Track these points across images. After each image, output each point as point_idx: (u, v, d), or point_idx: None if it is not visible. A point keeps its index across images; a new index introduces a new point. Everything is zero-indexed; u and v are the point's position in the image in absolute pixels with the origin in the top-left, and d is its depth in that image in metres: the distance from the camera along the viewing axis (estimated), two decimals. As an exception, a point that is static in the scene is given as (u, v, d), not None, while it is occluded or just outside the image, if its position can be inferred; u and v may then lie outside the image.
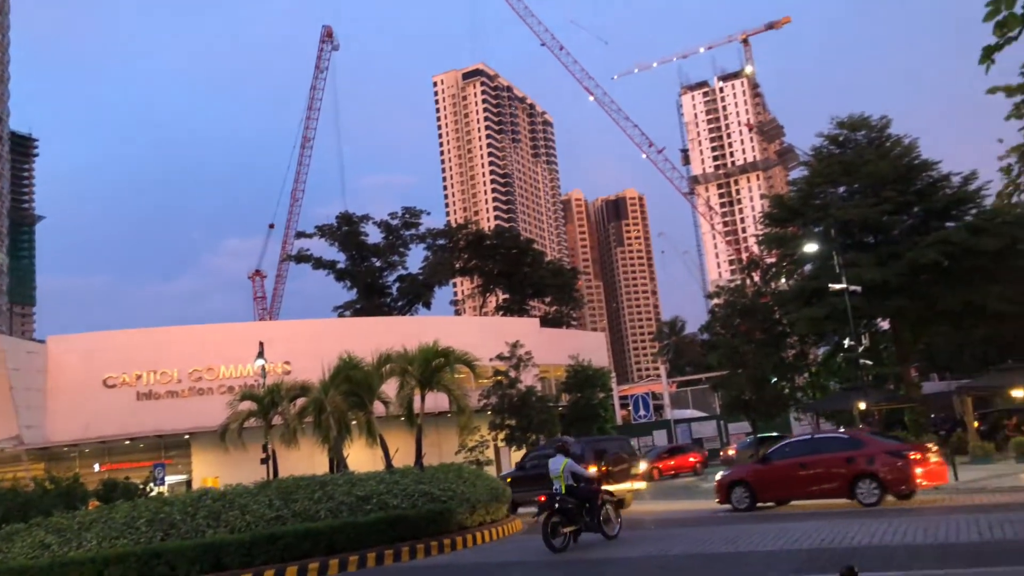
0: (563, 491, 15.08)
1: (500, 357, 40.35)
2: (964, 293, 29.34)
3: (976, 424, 28.99)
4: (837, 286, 28.13)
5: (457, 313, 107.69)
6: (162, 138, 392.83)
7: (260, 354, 36.47)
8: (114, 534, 14.83)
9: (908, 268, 29.39)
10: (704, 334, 43.19)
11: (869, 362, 33.49)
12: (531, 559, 14.80)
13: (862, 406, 29.09)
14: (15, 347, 45.43)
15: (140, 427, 42.27)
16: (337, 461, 22.86)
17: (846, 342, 32.17)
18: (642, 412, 49.37)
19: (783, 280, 37.26)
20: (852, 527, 13.66)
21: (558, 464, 15.42)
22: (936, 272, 29.73)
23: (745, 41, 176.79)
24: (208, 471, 42.17)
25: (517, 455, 39.70)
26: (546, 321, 65.99)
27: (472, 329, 51.48)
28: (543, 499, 15.19)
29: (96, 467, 42.14)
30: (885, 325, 36.10)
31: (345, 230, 67.69)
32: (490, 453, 42.16)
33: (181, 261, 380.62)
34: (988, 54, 10.81)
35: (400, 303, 69.37)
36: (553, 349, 49.75)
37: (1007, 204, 21.51)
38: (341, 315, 67.83)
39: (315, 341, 42.29)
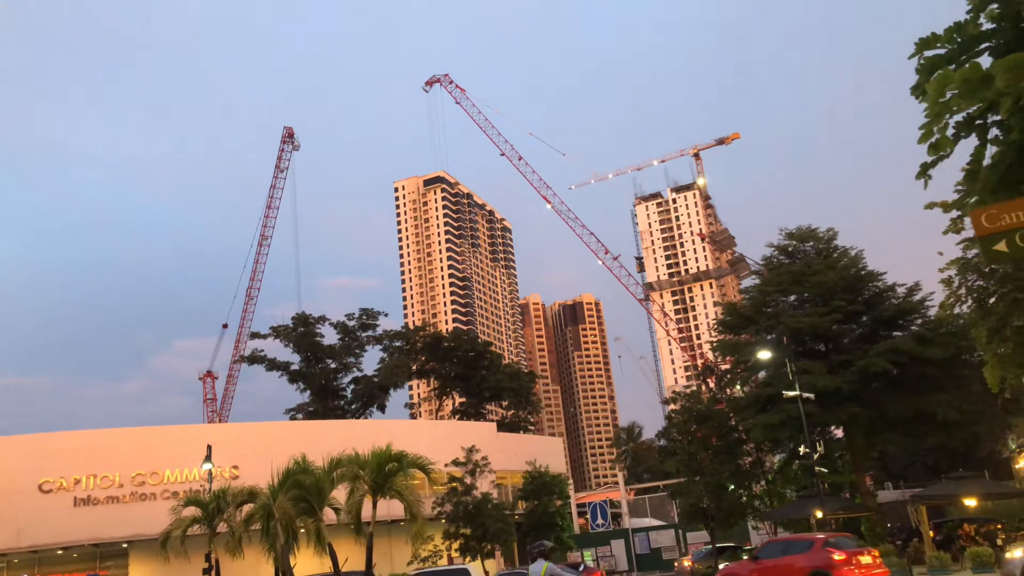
0: None
1: (455, 463, 39.54)
2: (914, 401, 29.77)
3: (931, 534, 28.94)
4: (791, 393, 28.41)
5: (412, 416, 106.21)
6: (112, 240, 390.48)
7: (207, 458, 35.36)
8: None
9: (859, 376, 29.84)
10: (661, 440, 42.91)
11: (824, 470, 33.53)
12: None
13: (819, 515, 28.92)
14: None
15: (76, 535, 40.22)
16: (284, 572, 21.90)
17: (801, 449, 32.23)
18: (600, 521, 48.44)
19: (738, 387, 37.54)
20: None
21: (539, 568, 15.36)
22: (886, 380, 30.22)
23: (696, 155, 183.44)
24: (146, 582, 40.08)
25: (474, 566, 38.49)
26: (503, 425, 65.31)
27: (427, 433, 50.67)
28: None
29: (24, 579, 39.82)
30: (839, 433, 36.36)
31: (300, 331, 67.04)
32: (443, 563, 40.77)
33: (131, 362, 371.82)
34: (924, 170, 11.39)
35: (354, 405, 68.20)
36: (510, 454, 49.06)
37: (949, 315, 22.23)
38: (293, 418, 66.44)
39: (265, 444, 41.25)
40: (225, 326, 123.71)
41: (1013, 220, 9.40)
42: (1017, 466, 37.08)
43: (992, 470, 38.63)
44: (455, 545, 39.69)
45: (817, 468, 31.58)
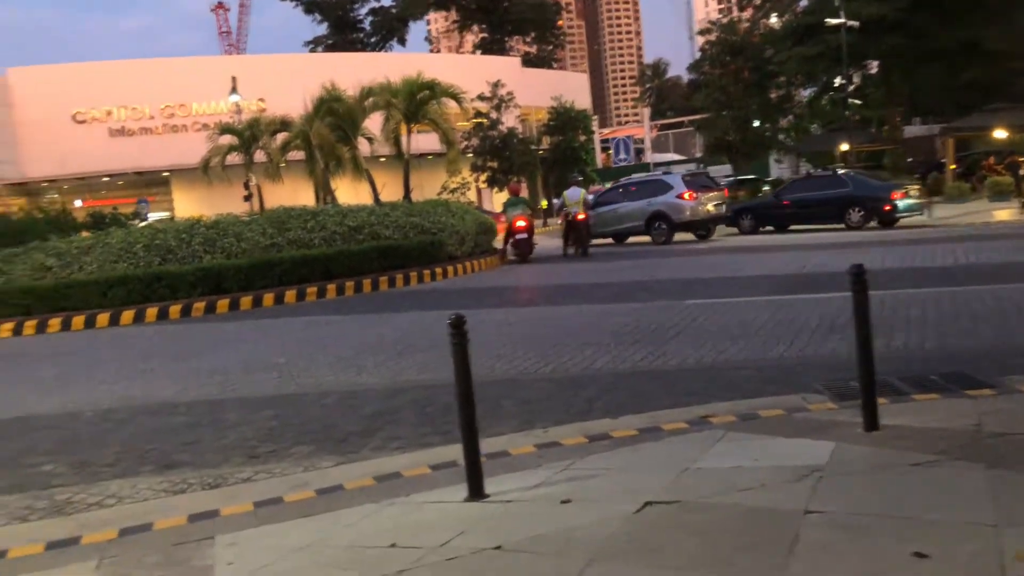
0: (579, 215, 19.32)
1: (481, 97, 39.26)
2: (961, 30, 28.46)
3: (953, 166, 29.37)
4: (834, 21, 27.05)
5: (433, 52, 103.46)
6: None
7: (234, 89, 35.28)
8: (112, 258, 15.10)
9: (909, 2, 28.19)
10: (691, 74, 41.95)
11: (858, 101, 33.09)
12: (514, 283, 15.49)
13: (844, 147, 29.18)
14: (-28, 79, 43.39)
15: (117, 164, 41.64)
16: (325, 194, 22.91)
17: (836, 82, 31.52)
18: (622, 155, 49.20)
19: (774, 18, 35.75)
20: (837, 257, 14.24)
21: (577, 193, 19.34)
22: (936, 8, 28.61)
23: None
24: (190, 209, 42.16)
25: (499, 197, 40.07)
26: (527, 61, 63.73)
27: (451, 67, 49.54)
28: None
29: (78, 203, 42.00)
30: (874, 69, 35.31)
31: (313, -45, 62.86)
32: (471, 195, 42.45)
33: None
34: None
35: (374, 39, 66.24)
36: (535, 90, 48.45)
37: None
38: (312, 51, 64.86)
39: (289, 77, 40.63)
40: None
41: None
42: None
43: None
44: (482, 177, 41.02)
45: (850, 100, 31.12)
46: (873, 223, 20.28)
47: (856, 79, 33.77)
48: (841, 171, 23.48)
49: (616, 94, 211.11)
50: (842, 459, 4.08)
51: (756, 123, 35.73)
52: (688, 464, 4.26)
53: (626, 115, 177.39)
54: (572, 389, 6.56)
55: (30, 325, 13.81)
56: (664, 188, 21.17)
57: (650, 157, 51.16)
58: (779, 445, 4.50)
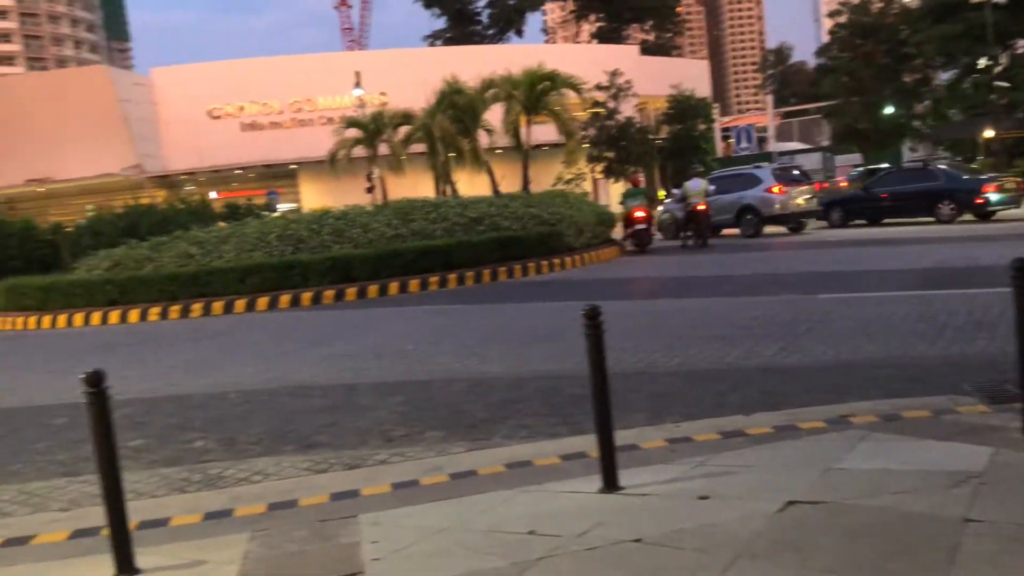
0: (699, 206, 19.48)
1: (598, 87, 38.96)
2: None
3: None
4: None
5: (548, 42, 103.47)
6: None
7: (357, 84, 36.40)
8: (248, 247, 15.89)
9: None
10: (818, 59, 40.26)
11: (1005, 84, 30.91)
12: (634, 275, 15.34)
13: (989, 134, 27.36)
14: (123, 79, 46.54)
15: (248, 157, 43.73)
16: (446, 185, 23.34)
17: (980, 62, 29.54)
18: (744, 144, 47.90)
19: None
20: (958, 251, 13.42)
21: (698, 184, 19.85)
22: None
23: None
24: (316, 200, 43.89)
25: (616, 188, 39.73)
26: (645, 50, 62.77)
27: (568, 57, 49.35)
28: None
29: (213, 194, 44.39)
30: (1022, 48, 32.91)
31: (434, -49, 63.93)
32: (586, 186, 42.27)
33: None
34: None
35: (491, 31, 66.82)
36: (653, 79, 47.65)
37: None
38: (431, 44, 66.06)
39: (409, 71, 41.54)
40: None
41: None
42: None
43: None
44: (598, 168, 40.77)
45: (996, 83, 29.12)
46: (966, 216, 19.92)
47: (1003, 59, 31.56)
48: (937, 164, 22.64)
49: (737, 81, 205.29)
50: (1002, 465, 3.85)
51: (888, 109, 33.97)
52: (830, 464, 4.12)
53: (747, 103, 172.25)
54: (701, 383, 6.46)
55: (175, 309, 14.72)
56: (754, 182, 21.57)
57: (773, 146, 49.54)
58: (929, 448, 4.29)
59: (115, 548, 3.51)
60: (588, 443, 4.88)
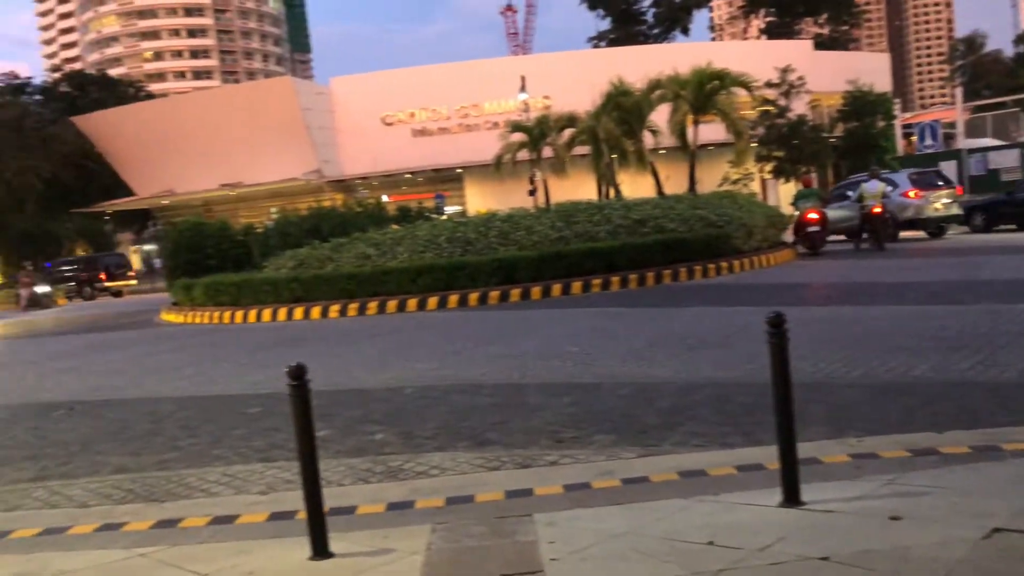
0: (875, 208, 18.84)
1: (768, 84, 37.61)
2: None
3: None
4: None
5: (714, 40, 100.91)
6: None
7: (522, 88, 36.97)
8: (420, 249, 16.55)
9: None
10: (1018, 47, 36.93)
11: None
12: (807, 279, 14.68)
13: None
14: (305, 89, 49.70)
15: (418, 162, 45.54)
16: (609, 187, 23.32)
17: None
18: (928, 141, 44.64)
19: None
20: None
21: (875, 186, 19.22)
22: None
23: None
24: (480, 203, 45.05)
25: (786, 189, 38.23)
26: (820, 44, 59.94)
27: (736, 55, 47.83)
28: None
29: (384, 197, 46.55)
30: None
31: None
32: (754, 186, 40.92)
33: (436, 2, 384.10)
34: None
35: (656, 30, 66.01)
36: (827, 74, 45.47)
37: None
38: (596, 46, 66.07)
39: (573, 73, 41.82)
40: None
41: None
42: None
43: None
44: (767, 168, 39.36)
45: None
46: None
47: None
48: None
49: (920, 74, 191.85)
50: None
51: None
52: (1041, 490, 3.79)
53: (932, 97, 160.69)
54: (887, 397, 6.10)
55: (353, 307, 15.55)
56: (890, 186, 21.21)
57: (962, 143, 45.85)
58: None
59: (312, 531, 3.76)
60: (764, 454, 4.75)
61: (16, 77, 59.37)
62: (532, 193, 33.93)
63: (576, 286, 15.42)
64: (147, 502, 5.12)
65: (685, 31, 65.19)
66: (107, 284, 40.25)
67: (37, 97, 61.96)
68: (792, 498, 3.90)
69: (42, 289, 35.41)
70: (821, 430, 5.32)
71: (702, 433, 5.59)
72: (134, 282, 43.56)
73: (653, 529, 3.77)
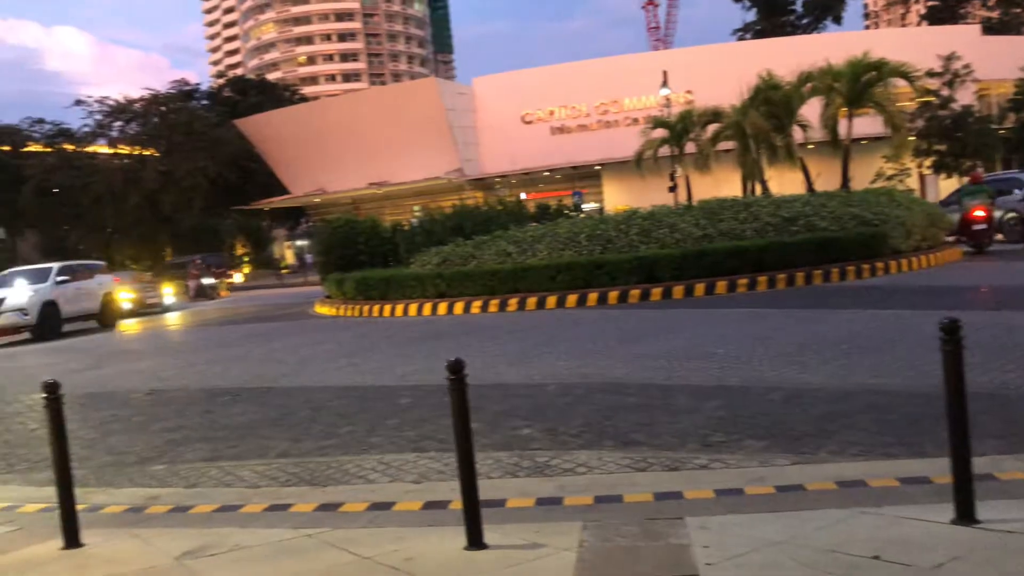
0: None
1: (930, 74, 35.29)
2: None
3: None
4: None
5: (869, 28, 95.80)
6: None
7: (664, 83, 36.41)
8: (559, 246, 16.63)
9: None
10: None
11: None
12: (973, 281, 13.72)
13: None
14: (448, 89, 50.93)
15: (556, 159, 45.77)
16: (755, 183, 22.61)
17: None
18: (1117, 130, 40.65)
19: None
20: None
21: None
22: None
23: None
24: (618, 200, 44.75)
25: (946, 185, 35.87)
26: (989, 28, 55.76)
27: (893, 42, 45.18)
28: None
29: (523, 195, 47.06)
30: None
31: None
32: (910, 183, 38.56)
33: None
34: None
35: (805, 20, 63.32)
36: (997, 61, 42.22)
37: None
38: (741, 38, 64.13)
39: (716, 67, 40.75)
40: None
41: None
42: None
43: None
44: (927, 163, 36.99)
45: None
46: None
47: None
48: None
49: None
50: None
51: None
52: None
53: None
54: (1070, 411, 5.63)
55: (494, 303, 15.83)
56: (1017, 186, 20.85)
57: None
58: None
59: (468, 522, 3.87)
60: (930, 467, 4.50)
61: (186, 84, 63.95)
62: (673, 190, 33.36)
63: (720, 286, 15.06)
64: (310, 486, 5.42)
65: (837, 20, 62.25)
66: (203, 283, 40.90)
67: (204, 102, 66.57)
68: (966, 515, 3.68)
69: (208, 281, 38.23)
70: (995, 444, 4.97)
71: (860, 442, 5.34)
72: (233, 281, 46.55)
73: (813, 539, 3.65)
